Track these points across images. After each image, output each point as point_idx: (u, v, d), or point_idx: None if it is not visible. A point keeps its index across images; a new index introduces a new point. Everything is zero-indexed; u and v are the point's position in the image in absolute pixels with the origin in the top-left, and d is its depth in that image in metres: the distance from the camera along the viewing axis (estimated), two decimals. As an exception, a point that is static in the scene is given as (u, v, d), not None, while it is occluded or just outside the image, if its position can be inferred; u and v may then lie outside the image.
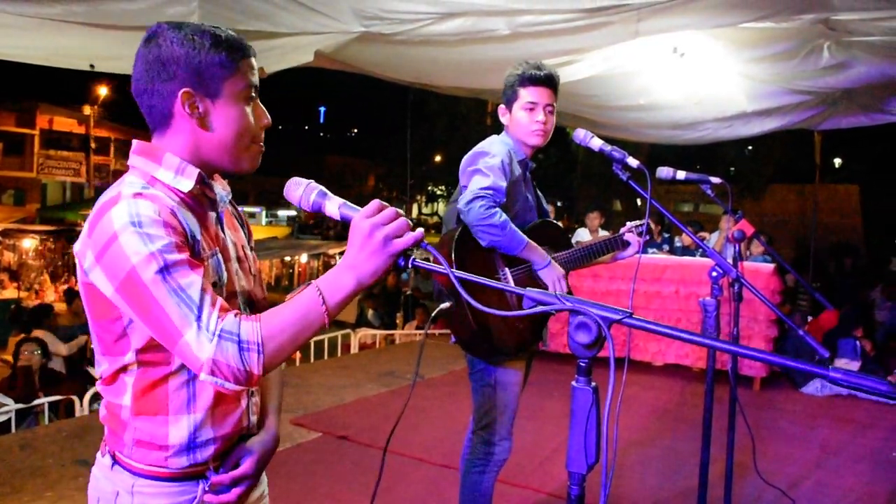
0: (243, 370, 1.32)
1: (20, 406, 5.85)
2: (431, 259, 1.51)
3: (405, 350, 9.23)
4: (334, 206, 1.42)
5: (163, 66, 1.44)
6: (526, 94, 2.97)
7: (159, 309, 1.32)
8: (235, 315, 1.35)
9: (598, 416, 1.28)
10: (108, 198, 1.41)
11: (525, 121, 2.99)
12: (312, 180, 1.46)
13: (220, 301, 1.36)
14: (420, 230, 1.36)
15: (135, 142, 1.53)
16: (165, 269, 1.32)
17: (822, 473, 4.85)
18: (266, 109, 1.59)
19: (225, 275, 1.55)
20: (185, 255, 1.37)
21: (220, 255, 1.54)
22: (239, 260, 1.64)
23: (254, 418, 1.65)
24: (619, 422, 2.35)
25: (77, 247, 1.44)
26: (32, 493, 4.11)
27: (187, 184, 1.48)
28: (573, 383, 1.29)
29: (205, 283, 1.36)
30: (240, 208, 1.80)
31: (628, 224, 3.21)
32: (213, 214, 1.58)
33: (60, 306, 10.90)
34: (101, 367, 1.53)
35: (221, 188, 1.62)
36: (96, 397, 6.37)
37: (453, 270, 1.33)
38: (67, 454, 4.72)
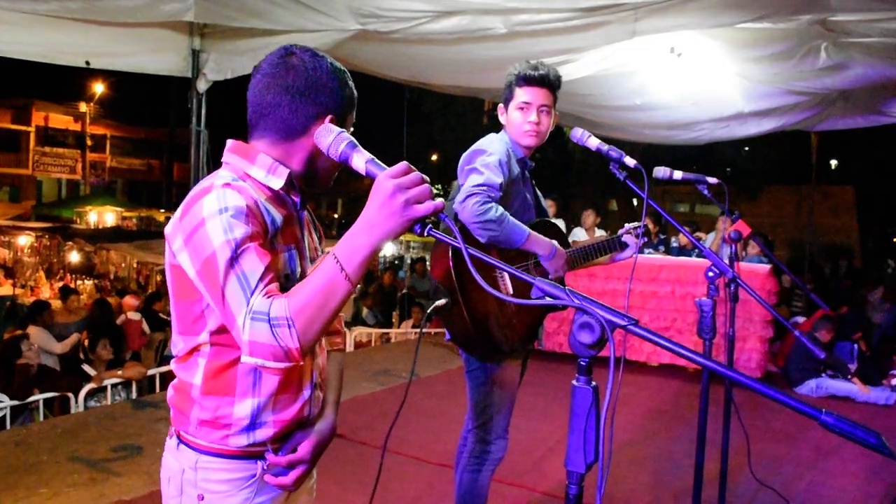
0: (279, 346, 1.37)
1: (15, 403, 5.83)
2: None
3: (400, 349, 9.22)
4: (361, 160, 1.44)
5: (314, 91, 1.60)
6: (521, 94, 2.95)
7: (223, 293, 1.41)
8: (268, 296, 1.40)
9: (597, 416, 1.27)
10: (202, 188, 1.53)
11: (518, 121, 2.97)
12: (345, 130, 1.52)
13: (271, 287, 1.43)
14: (441, 200, 1.37)
15: (230, 141, 1.68)
16: (236, 258, 1.42)
17: (816, 474, 4.86)
18: None
19: (299, 271, 1.64)
20: (256, 244, 1.46)
21: (295, 252, 1.64)
22: (312, 261, 1.73)
23: (315, 409, 1.74)
24: (615, 422, 2.35)
25: (168, 229, 1.56)
26: (27, 490, 4.09)
27: (277, 182, 1.61)
28: (573, 382, 1.29)
29: (267, 270, 1.44)
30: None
31: (626, 226, 3.21)
32: (294, 214, 1.68)
33: (56, 303, 10.84)
34: (176, 347, 1.64)
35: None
36: (91, 394, 6.36)
37: (466, 246, 1.33)
38: (62, 451, 4.70)
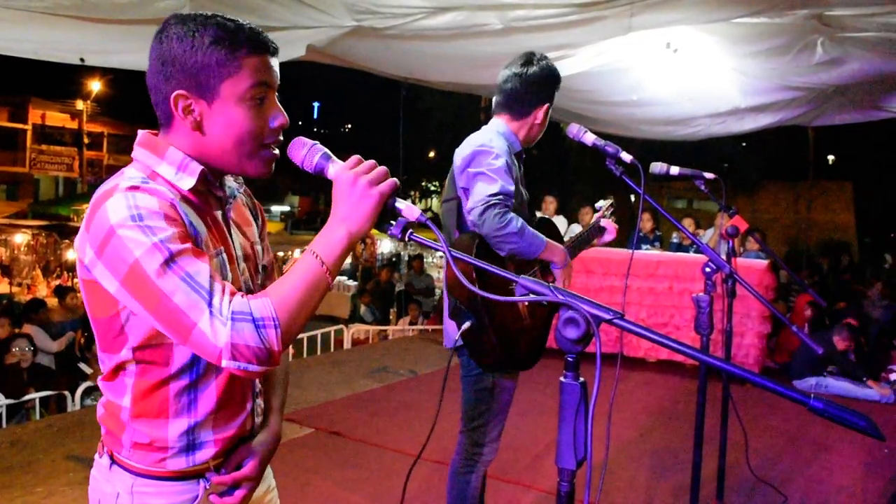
0: (264, 348, 1.28)
1: (10, 401, 5.82)
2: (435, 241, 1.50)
3: (398, 346, 9.21)
4: (337, 169, 1.40)
5: (163, 64, 1.39)
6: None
7: (168, 300, 1.27)
8: (242, 296, 1.31)
9: (586, 412, 1.27)
10: (104, 191, 1.36)
11: (543, 126, 2.99)
12: (318, 142, 1.43)
13: (229, 286, 1.31)
14: (395, 178, 1.37)
15: (140, 132, 1.49)
16: (171, 259, 1.27)
17: (814, 470, 4.86)
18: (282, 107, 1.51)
19: (230, 276, 1.50)
20: (189, 244, 1.31)
21: (224, 256, 1.49)
22: (246, 258, 1.60)
23: (258, 420, 1.64)
24: (612, 418, 2.34)
25: (76, 242, 1.39)
26: (23, 489, 4.08)
27: (188, 182, 1.43)
28: (561, 378, 1.29)
29: (212, 270, 1.31)
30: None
31: (598, 206, 3.23)
32: (219, 213, 1.53)
33: (52, 301, 10.83)
34: (103, 364, 1.50)
35: (233, 180, 1.60)
36: (87, 392, 6.35)
37: (451, 250, 1.33)
38: (58, 450, 4.69)
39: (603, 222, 3.16)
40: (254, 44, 1.42)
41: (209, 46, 1.38)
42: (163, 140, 1.46)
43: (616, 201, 3.40)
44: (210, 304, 1.27)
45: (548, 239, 2.75)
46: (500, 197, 2.63)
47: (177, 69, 1.38)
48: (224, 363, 1.28)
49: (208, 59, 1.38)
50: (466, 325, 2.55)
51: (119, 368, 1.46)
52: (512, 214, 2.62)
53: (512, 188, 2.71)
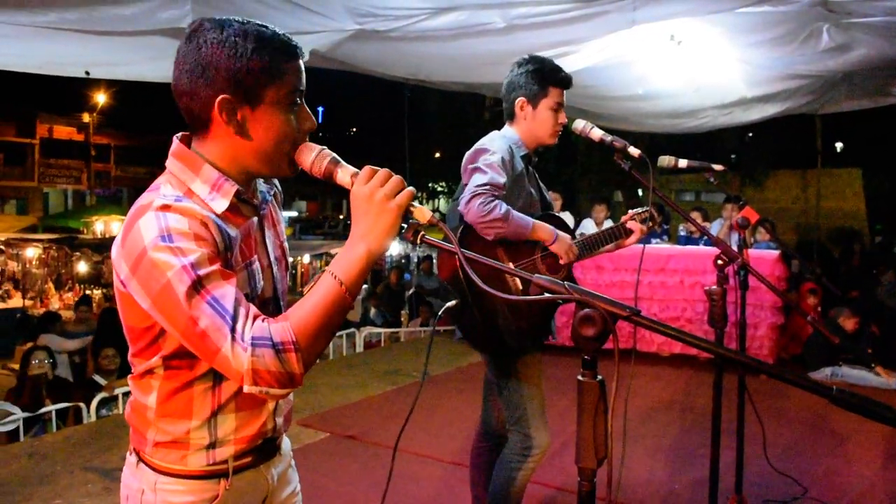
0: (285, 372, 1.31)
1: (28, 414, 5.84)
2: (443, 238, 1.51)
3: (410, 348, 9.20)
4: (346, 174, 1.41)
5: (203, 69, 1.40)
6: (556, 94, 2.99)
7: (194, 324, 1.31)
8: (263, 320, 1.33)
9: (605, 410, 1.26)
10: (139, 206, 1.39)
11: (550, 120, 3.00)
12: (325, 146, 1.45)
13: (253, 310, 1.34)
14: (412, 187, 1.37)
15: (175, 141, 1.51)
16: (198, 283, 1.31)
17: (832, 460, 4.83)
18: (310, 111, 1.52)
19: (261, 283, 1.54)
20: (217, 266, 1.34)
21: (256, 264, 1.53)
22: (277, 260, 1.64)
23: (279, 420, 1.66)
24: (628, 414, 2.33)
25: (113, 254, 1.43)
26: (41, 501, 4.10)
27: (221, 204, 1.45)
28: (578, 377, 1.28)
29: (238, 293, 1.34)
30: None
31: (630, 212, 3.21)
32: (254, 220, 1.56)
33: (67, 314, 10.89)
34: (133, 366, 1.54)
35: (262, 182, 1.62)
36: (103, 403, 6.36)
37: (462, 250, 1.34)
38: (76, 461, 4.71)
39: (630, 224, 3.16)
40: (291, 50, 1.45)
41: (253, 53, 1.40)
42: (198, 149, 1.49)
43: (624, 196, 3.40)
44: (233, 330, 1.30)
45: (535, 220, 2.84)
46: (487, 187, 2.74)
47: (220, 75, 1.39)
48: (246, 388, 1.31)
49: (253, 66, 1.40)
50: (451, 303, 2.71)
51: (148, 372, 1.51)
52: (497, 201, 2.71)
53: (502, 180, 2.79)
